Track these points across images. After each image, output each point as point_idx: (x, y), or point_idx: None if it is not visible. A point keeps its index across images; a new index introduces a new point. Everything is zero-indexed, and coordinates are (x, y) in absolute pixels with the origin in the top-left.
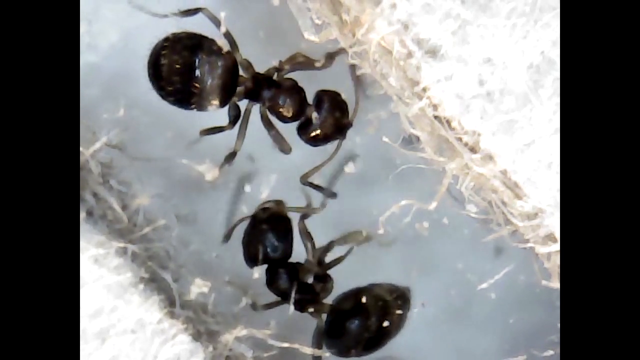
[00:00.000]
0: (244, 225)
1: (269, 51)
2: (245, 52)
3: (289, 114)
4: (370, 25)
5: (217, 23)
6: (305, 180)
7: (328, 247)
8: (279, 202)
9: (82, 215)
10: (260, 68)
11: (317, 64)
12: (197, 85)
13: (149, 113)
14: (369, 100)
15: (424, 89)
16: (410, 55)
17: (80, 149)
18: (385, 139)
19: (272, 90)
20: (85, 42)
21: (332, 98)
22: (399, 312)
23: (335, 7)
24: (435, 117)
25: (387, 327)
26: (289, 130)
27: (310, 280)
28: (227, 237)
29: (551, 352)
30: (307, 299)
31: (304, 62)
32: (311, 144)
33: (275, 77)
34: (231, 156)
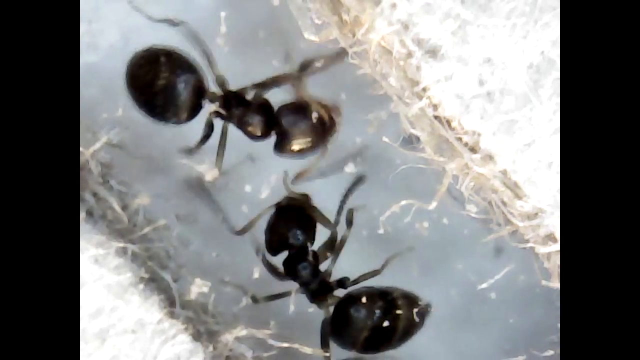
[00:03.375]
0: (244, 221)
1: (269, 51)
2: (245, 52)
3: (258, 133)
4: (370, 25)
5: (194, 38)
6: (298, 181)
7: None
8: (304, 195)
9: (82, 215)
10: (260, 68)
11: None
12: (160, 99)
13: None
14: (369, 100)
15: (424, 89)
16: (410, 55)
17: (80, 149)
18: (385, 139)
19: (240, 109)
20: (85, 42)
21: (291, 110)
22: (400, 312)
23: (335, 7)
24: (435, 117)
25: (390, 323)
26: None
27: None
28: (244, 230)
29: (551, 352)
30: (322, 289)
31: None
32: (296, 157)
33: (250, 95)
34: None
